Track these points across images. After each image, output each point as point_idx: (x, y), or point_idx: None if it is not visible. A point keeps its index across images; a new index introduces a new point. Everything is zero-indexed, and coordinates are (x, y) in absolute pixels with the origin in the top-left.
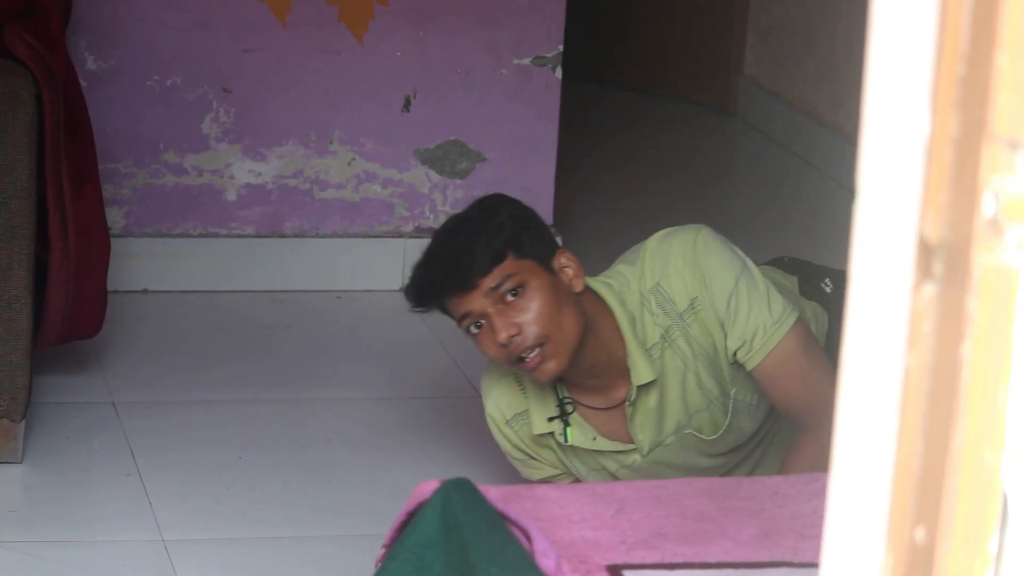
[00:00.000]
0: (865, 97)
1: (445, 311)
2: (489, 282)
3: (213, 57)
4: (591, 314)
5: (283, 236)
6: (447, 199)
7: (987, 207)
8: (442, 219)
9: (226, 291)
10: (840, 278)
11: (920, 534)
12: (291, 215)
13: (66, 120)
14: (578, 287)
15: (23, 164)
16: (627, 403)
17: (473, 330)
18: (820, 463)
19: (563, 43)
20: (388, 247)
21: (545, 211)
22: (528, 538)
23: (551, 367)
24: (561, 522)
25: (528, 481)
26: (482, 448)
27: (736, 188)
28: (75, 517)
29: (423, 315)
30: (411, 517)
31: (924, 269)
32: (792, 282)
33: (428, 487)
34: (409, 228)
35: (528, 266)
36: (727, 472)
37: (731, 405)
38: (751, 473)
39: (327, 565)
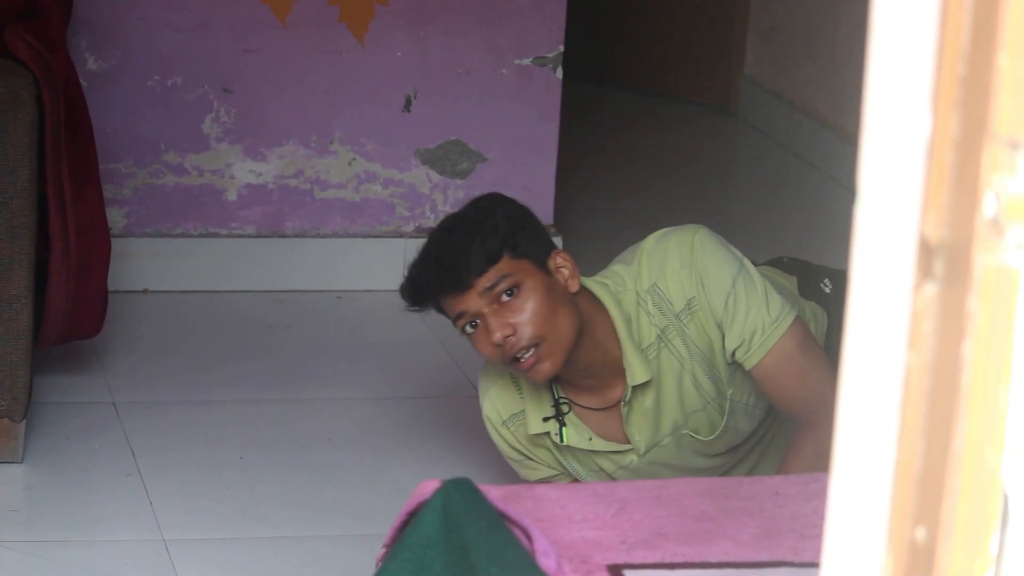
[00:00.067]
0: (866, 97)
1: (441, 310)
2: (484, 282)
3: (214, 57)
4: (587, 314)
5: (284, 236)
6: (448, 199)
7: (988, 207)
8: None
9: (227, 291)
10: (839, 278)
11: (921, 534)
12: (292, 215)
13: (67, 120)
14: (574, 287)
15: (24, 164)
16: (622, 403)
17: (468, 330)
18: (819, 462)
19: (564, 43)
20: (389, 247)
21: (545, 211)
22: (529, 538)
23: (546, 368)
24: (562, 522)
25: (527, 482)
26: (483, 448)
27: (736, 188)
28: (76, 517)
29: (423, 315)
30: (411, 517)
31: (925, 269)
32: (791, 282)
33: (429, 487)
34: (410, 228)
35: (524, 266)
36: (726, 472)
37: (728, 406)
38: (751, 473)
39: (328, 565)
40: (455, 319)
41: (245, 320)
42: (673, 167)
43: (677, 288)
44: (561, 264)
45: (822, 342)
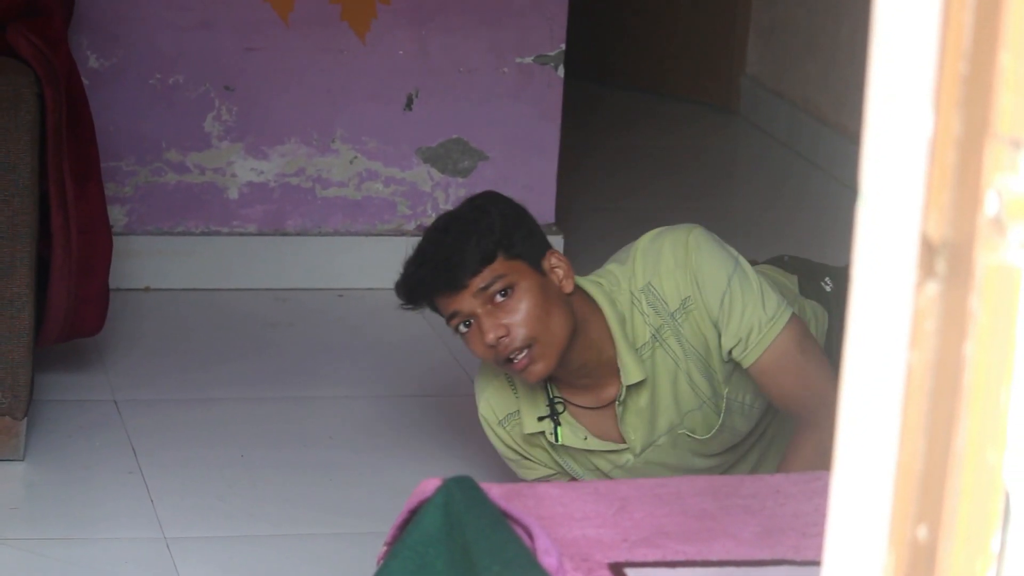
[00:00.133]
0: (868, 96)
1: (435, 309)
2: (478, 282)
3: (215, 56)
4: (581, 314)
5: (285, 234)
6: (449, 198)
7: (990, 206)
8: None
9: (228, 289)
10: (840, 277)
11: (922, 533)
12: (293, 213)
13: (68, 118)
14: (568, 288)
15: (25, 162)
16: (617, 403)
17: (462, 329)
18: (819, 460)
19: (565, 42)
20: (390, 245)
21: (547, 210)
22: (530, 536)
23: (539, 369)
24: (563, 520)
25: (527, 481)
26: (484, 446)
27: (738, 188)
28: (77, 515)
29: (424, 313)
30: (413, 515)
31: (927, 268)
32: (792, 281)
33: (430, 485)
34: (411, 227)
35: (518, 267)
36: (726, 471)
37: (724, 405)
38: (753, 472)
39: (329, 563)
40: (449, 318)
41: (246, 318)
42: (675, 166)
43: (672, 287)
44: (556, 264)
45: (823, 341)
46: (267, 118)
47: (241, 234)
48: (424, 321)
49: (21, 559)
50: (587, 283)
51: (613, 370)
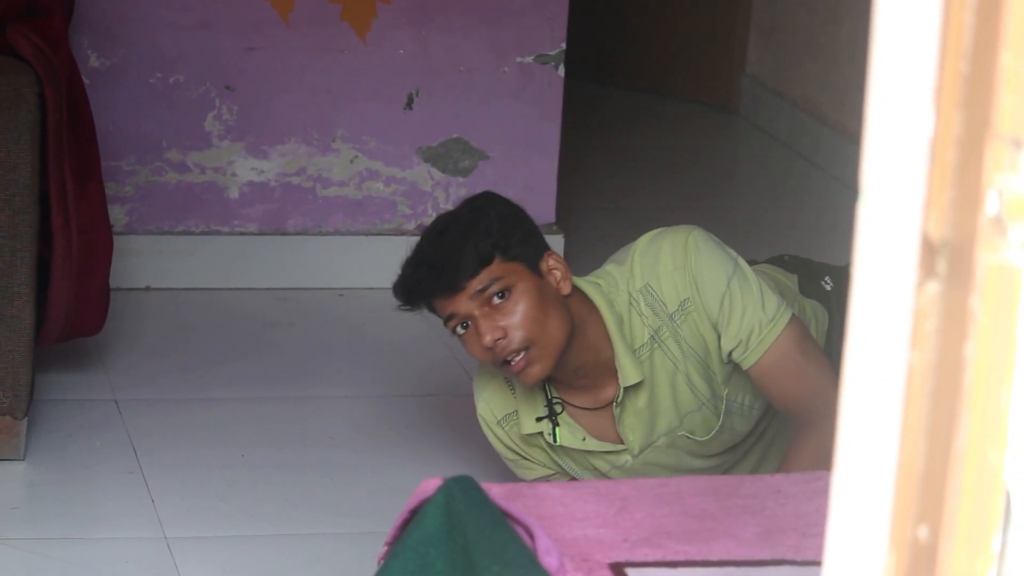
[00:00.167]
0: (868, 96)
1: (433, 310)
2: (476, 284)
3: (216, 55)
4: (578, 316)
5: (285, 234)
6: (450, 197)
7: (991, 206)
8: None
9: (228, 289)
10: (841, 276)
11: (923, 533)
12: (294, 213)
13: (69, 118)
14: (565, 290)
15: (26, 162)
16: (615, 404)
17: (459, 331)
18: (820, 460)
19: (566, 42)
20: (391, 245)
21: (547, 209)
22: (531, 536)
23: (536, 371)
24: (564, 520)
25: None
26: (484, 446)
27: (739, 187)
28: (77, 514)
29: (425, 312)
30: (414, 515)
31: (927, 268)
32: (792, 280)
33: (431, 485)
34: (412, 226)
35: (515, 269)
36: (726, 472)
37: (723, 407)
38: (753, 472)
39: (329, 563)
40: (446, 320)
41: (247, 318)
42: (675, 166)
43: (671, 289)
44: (553, 266)
45: (823, 340)
46: (268, 118)
47: (242, 234)
48: (424, 320)
49: (21, 559)
50: (585, 284)
51: (611, 371)
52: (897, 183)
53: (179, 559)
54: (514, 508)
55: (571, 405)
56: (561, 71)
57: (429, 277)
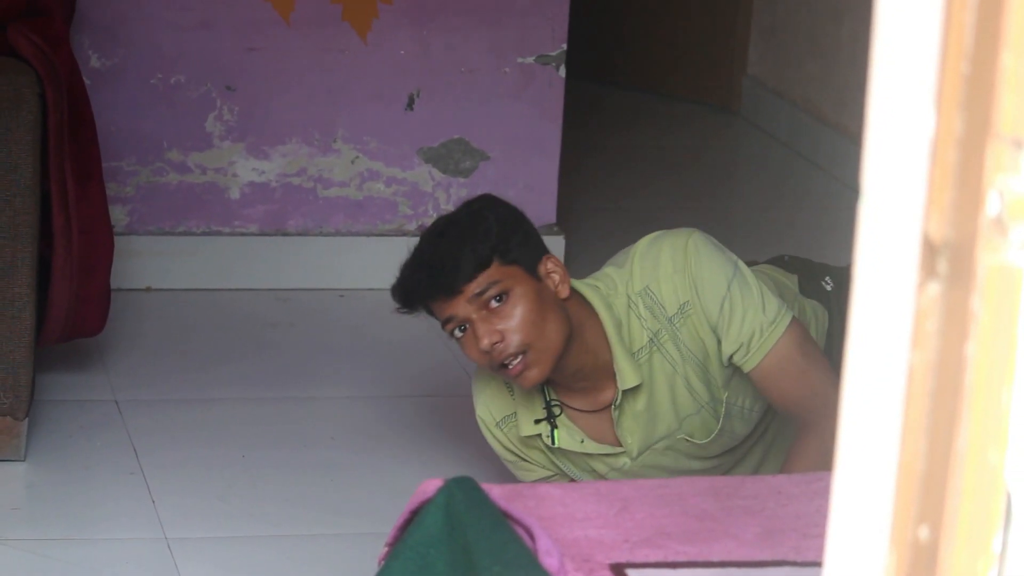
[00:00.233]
0: (869, 96)
1: (431, 313)
2: (473, 288)
3: (217, 55)
4: (577, 318)
5: (286, 234)
6: (450, 198)
7: (991, 206)
8: None
9: (229, 289)
10: (841, 276)
11: (924, 533)
12: (294, 213)
13: (70, 118)
14: (563, 293)
15: (27, 162)
16: (613, 407)
17: (457, 334)
18: (822, 462)
19: (567, 42)
20: (391, 246)
21: (548, 210)
22: (531, 537)
23: (533, 375)
24: (564, 521)
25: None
26: (484, 447)
27: (740, 188)
28: (78, 515)
29: (424, 315)
30: (414, 515)
31: (928, 268)
32: (792, 280)
33: (431, 485)
34: (412, 227)
35: (513, 272)
36: (726, 472)
37: (723, 410)
38: (755, 472)
39: (330, 563)
40: (444, 323)
41: (247, 319)
42: (676, 166)
43: (670, 292)
44: (552, 269)
45: (823, 340)
46: (268, 118)
47: (242, 234)
48: (424, 322)
49: (22, 559)
50: (583, 287)
51: (610, 374)
52: (898, 183)
53: (179, 559)
54: (514, 509)
55: (570, 407)
56: (562, 72)
57: (427, 280)
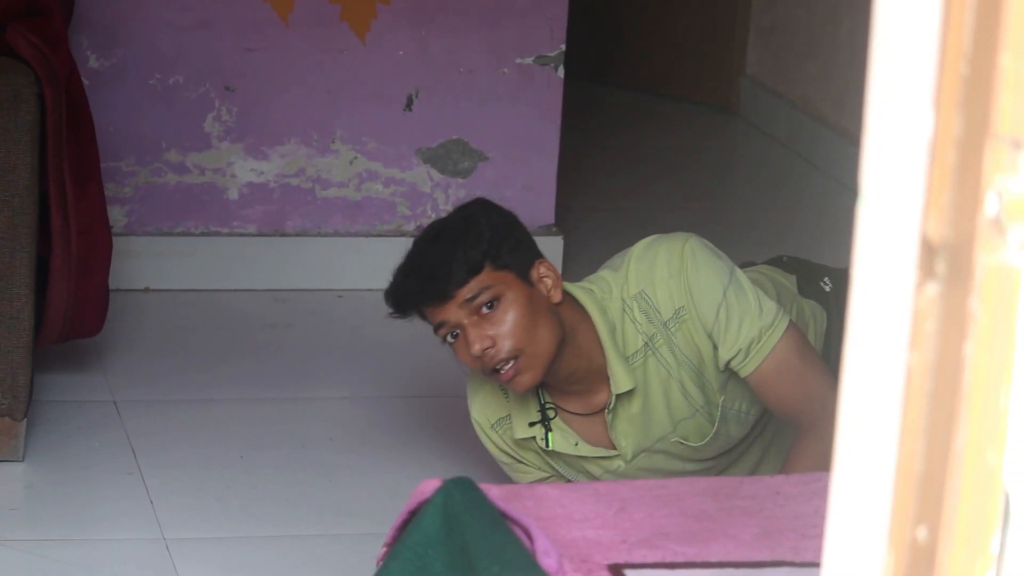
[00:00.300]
0: (868, 97)
1: (424, 318)
2: (465, 293)
3: (215, 56)
4: (570, 322)
5: (285, 235)
6: (449, 198)
7: (990, 207)
8: None
9: (228, 290)
10: (839, 277)
11: (922, 533)
12: (293, 214)
13: (68, 118)
14: (556, 298)
15: (25, 162)
16: (607, 411)
17: (449, 339)
18: (821, 464)
19: (565, 42)
20: (390, 246)
21: (547, 210)
22: (529, 537)
23: (525, 380)
24: (562, 521)
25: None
26: (482, 448)
27: (738, 188)
28: (76, 515)
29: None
30: (412, 516)
31: (927, 269)
32: (791, 281)
33: (430, 486)
34: (411, 227)
35: (505, 278)
36: (723, 473)
37: (718, 414)
38: (753, 473)
39: (328, 564)
40: (436, 328)
41: (246, 319)
42: (675, 167)
43: (666, 296)
44: (544, 274)
45: (822, 341)
46: (267, 118)
47: (241, 235)
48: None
49: (20, 560)
50: (577, 290)
51: (603, 377)
52: (896, 184)
53: (178, 560)
54: (513, 509)
55: (564, 410)
56: (561, 72)
57: (419, 285)
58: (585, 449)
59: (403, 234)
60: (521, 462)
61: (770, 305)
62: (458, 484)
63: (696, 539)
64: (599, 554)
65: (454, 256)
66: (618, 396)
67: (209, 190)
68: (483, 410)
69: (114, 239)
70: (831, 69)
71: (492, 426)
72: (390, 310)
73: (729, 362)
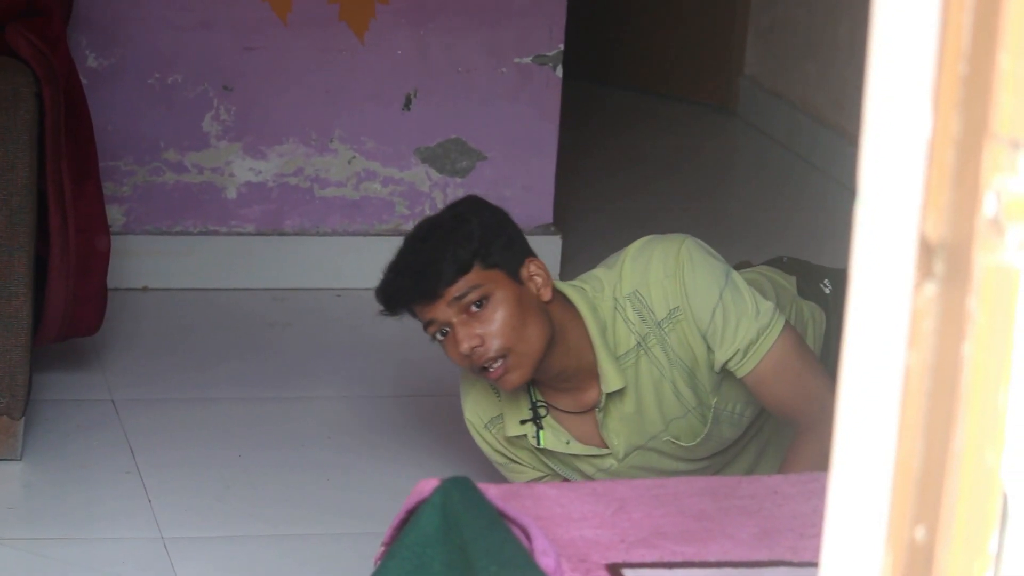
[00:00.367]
0: (867, 97)
1: (414, 315)
2: (454, 292)
3: (214, 55)
4: (560, 321)
5: (283, 234)
6: (447, 198)
7: (988, 207)
8: None
9: (226, 289)
10: (839, 278)
11: (920, 533)
12: (291, 213)
13: (67, 118)
14: (545, 296)
15: (24, 161)
16: (597, 410)
17: (439, 337)
18: (819, 464)
19: (564, 42)
20: (388, 245)
21: (545, 210)
22: (528, 536)
23: (513, 378)
24: (560, 520)
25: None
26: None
27: (737, 188)
28: (74, 514)
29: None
30: (411, 515)
31: (925, 268)
32: (790, 282)
33: (428, 485)
34: (409, 227)
35: (494, 276)
36: (719, 472)
37: (711, 415)
38: (749, 472)
39: (326, 563)
40: (425, 326)
41: (245, 318)
42: (673, 166)
43: (660, 297)
44: (534, 272)
45: (821, 342)
46: (265, 118)
47: (239, 234)
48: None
49: (19, 559)
50: (568, 289)
51: (594, 376)
52: (895, 184)
53: (176, 559)
54: (511, 508)
55: (555, 408)
56: (559, 72)
57: (408, 284)
58: (577, 447)
59: (402, 233)
60: (516, 461)
61: (767, 306)
62: (456, 483)
63: (694, 539)
64: (597, 553)
65: (443, 255)
66: (609, 395)
67: (207, 189)
68: (476, 410)
69: (112, 238)
70: (830, 69)
71: (485, 426)
72: (380, 308)
73: (726, 363)
